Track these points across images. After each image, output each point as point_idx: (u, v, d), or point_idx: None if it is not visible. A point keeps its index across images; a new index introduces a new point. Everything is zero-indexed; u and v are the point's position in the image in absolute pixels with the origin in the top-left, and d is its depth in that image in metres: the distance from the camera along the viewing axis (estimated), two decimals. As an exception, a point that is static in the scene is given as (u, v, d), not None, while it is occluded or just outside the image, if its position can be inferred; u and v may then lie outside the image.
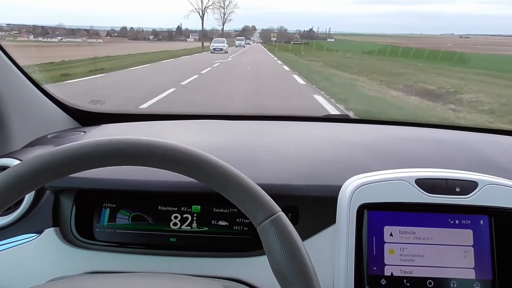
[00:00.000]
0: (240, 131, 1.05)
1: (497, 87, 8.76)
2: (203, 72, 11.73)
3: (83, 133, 0.98)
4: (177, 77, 9.78)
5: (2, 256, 0.71)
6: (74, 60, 12.73)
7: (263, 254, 0.47)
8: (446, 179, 0.65)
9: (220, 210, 0.74)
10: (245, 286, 0.67)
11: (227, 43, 24.95)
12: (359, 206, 0.64)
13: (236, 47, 31.34)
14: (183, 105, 6.43)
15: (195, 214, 0.74)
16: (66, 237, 0.72)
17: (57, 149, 0.46)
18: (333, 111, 5.87)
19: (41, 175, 0.45)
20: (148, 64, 14.07)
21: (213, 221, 0.74)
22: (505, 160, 0.85)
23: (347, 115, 1.32)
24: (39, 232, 0.72)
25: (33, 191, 0.72)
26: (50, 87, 1.03)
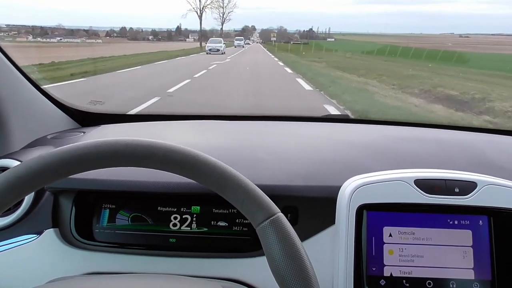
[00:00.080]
0: (239, 132, 1.05)
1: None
2: (197, 75, 10.46)
3: (82, 133, 0.98)
4: (166, 82, 8.64)
5: (2, 257, 0.71)
6: (64, 61, 11.82)
7: (263, 254, 0.47)
8: (445, 179, 0.65)
9: (220, 211, 0.74)
10: (244, 287, 0.67)
11: (224, 43, 23.03)
12: (358, 207, 0.64)
13: (235, 47, 29.93)
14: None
15: (194, 215, 0.74)
16: (66, 238, 0.72)
17: (56, 150, 0.46)
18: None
19: (41, 176, 0.45)
20: (139, 66, 12.99)
21: (212, 222, 0.74)
22: (504, 160, 0.85)
23: (347, 115, 1.32)
24: (39, 233, 0.72)
25: (33, 192, 0.72)
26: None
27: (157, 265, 0.71)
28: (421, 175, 0.66)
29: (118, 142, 0.47)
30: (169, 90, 7.61)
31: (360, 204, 0.64)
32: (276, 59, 18.42)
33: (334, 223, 0.68)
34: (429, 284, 0.63)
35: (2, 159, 0.77)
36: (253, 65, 15.01)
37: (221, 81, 9.87)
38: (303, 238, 0.67)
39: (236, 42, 31.97)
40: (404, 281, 0.63)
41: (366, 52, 21.44)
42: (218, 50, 21.20)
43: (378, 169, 0.72)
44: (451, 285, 0.62)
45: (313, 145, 0.91)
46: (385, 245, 0.64)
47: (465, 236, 0.64)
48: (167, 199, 0.75)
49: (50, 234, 0.72)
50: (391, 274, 0.63)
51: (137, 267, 0.71)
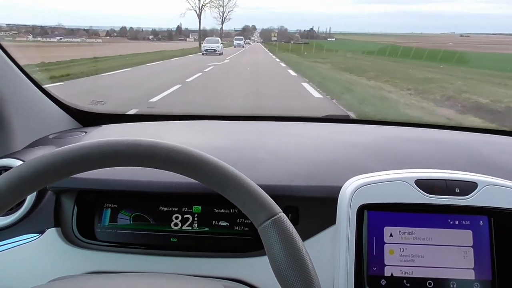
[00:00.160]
0: (240, 132, 1.05)
1: None
2: (190, 80, 9.14)
3: (84, 133, 0.99)
4: (151, 88, 7.47)
5: (3, 256, 0.71)
6: (54, 62, 10.80)
7: (264, 254, 0.47)
8: (445, 179, 0.66)
9: (221, 211, 0.75)
10: (246, 287, 0.68)
11: (222, 43, 21.10)
12: (359, 207, 0.64)
13: (235, 47, 28.92)
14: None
15: (196, 215, 0.75)
16: (68, 237, 0.73)
17: (59, 150, 0.46)
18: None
19: (43, 176, 0.45)
20: (130, 68, 11.80)
21: (213, 222, 0.74)
22: (504, 160, 0.85)
23: (347, 115, 1.32)
24: (41, 232, 0.72)
25: (35, 192, 0.73)
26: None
27: (159, 265, 0.71)
28: (422, 175, 0.66)
29: (120, 142, 0.47)
30: (152, 100, 6.28)
31: (361, 204, 0.64)
32: (277, 59, 17.60)
33: (335, 223, 0.68)
34: (430, 284, 0.63)
35: (5, 159, 0.78)
36: (253, 65, 14.35)
37: (217, 86, 8.66)
38: (304, 238, 0.67)
39: (235, 42, 31.12)
40: (404, 281, 0.63)
41: (367, 52, 21.13)
42: (215, 50, 19.35)
43: (378, 169, 0.72)
44: (451, 285, 0.63)
45: (314, 145, 0.91)
46: (385, 245, 0.64)
47: (466, 236, 0.64)
48: (169, 198, 0.75)
49: (52, 233, 0.72)
50: (391, 274, 0.63)
51: (139, 266, 0.71)
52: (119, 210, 0.75)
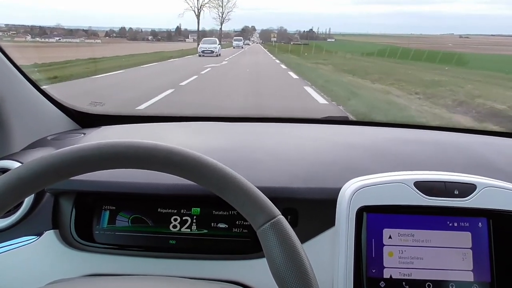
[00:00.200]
0: (240, 133, 1.05)
1: None
2: (184, 83, 8.52)
3: (83, 135, 0.98)
4: (141, 92, 6.88)
5: (1, 258, 0.71)
6: (47, 63, 10.30)
7: (263, 256, 0.47)
8: (444, 181, 0.66)
9: (220, 213, 0.74)
10: None
11: (219, 44, 20.32)
12: (358, 209, 0.64)
13: (234, 48, 28.54)
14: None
15: (194, 217, 0.74)
16: (66, 240, 0.72)
17: (58, 151, 0.46)
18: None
19: (42, 177, 0.45)
20: (122, 70, 11.19)
21: (212, 224, 0.74)
22: (503, 162, 0.85)
23: (346, 116, 1.31)
24: (39, 234, 0.72)
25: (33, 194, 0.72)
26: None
27: (157, 267, 0.71)
28: (421, 177, 0.66)
29: (119, 144, 0.47)
30: (139, 107, 5.64)
31: (360, 206, 0.64)
32: (278, 61, 17.10)
33: (334, 225, 0.68)
34: (429, 286, 0.63)
35: (3, 160, 0.77)
36: (252, 66, 14.00)
37: (213, 90, 8.14)
38: (303, 240, 0.67)
39: (234, 43, 30.89)
40: (403, 283, 0.63)
41: (366, 54, 20.97)
42: (212, 51, 18.41)
43: (378, 171, 0.72)
44: (450, 287, 0.63)
45: (313, 147, 0.91)
46: (384, 247, 0.64)
47: (465, 238, 0.64)
48: (167, 200, 0.75)
49: (50, 235, 0.72)
50: (390, 276, 0.63)
51: (137, 268, 0.71)
52: (117, 212, 0.75)
